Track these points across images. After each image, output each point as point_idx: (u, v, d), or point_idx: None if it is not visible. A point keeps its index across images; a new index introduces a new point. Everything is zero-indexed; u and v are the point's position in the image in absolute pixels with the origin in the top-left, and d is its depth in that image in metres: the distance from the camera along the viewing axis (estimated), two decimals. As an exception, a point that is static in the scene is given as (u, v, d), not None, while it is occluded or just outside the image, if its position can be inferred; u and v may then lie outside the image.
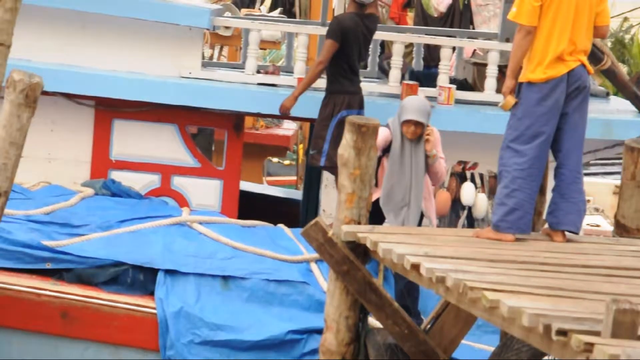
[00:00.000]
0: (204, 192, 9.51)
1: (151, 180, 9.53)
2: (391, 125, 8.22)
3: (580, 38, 7.08)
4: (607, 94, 11.07)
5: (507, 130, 7.16)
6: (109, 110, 9.51)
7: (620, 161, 7.79)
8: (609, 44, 33.94)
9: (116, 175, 9.46)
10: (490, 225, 7.22)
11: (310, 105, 9.11)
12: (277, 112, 9.25)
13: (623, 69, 9.55)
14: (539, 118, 7.04)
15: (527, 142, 7.06)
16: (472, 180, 9.73)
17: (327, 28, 9.09)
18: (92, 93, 9.36)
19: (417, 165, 8.12)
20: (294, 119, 10.31)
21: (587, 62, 7.18)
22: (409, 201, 8.08)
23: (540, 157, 7.12)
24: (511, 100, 7.06)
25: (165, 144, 9.54)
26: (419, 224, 8.15)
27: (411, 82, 9.58)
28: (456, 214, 9.66)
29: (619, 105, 10.22)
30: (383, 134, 8.04)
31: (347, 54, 8.93)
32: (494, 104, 9.25)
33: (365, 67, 11.39)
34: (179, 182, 9.55)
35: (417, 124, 8.11)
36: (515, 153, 7.07)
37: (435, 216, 8.41)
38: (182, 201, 9.47)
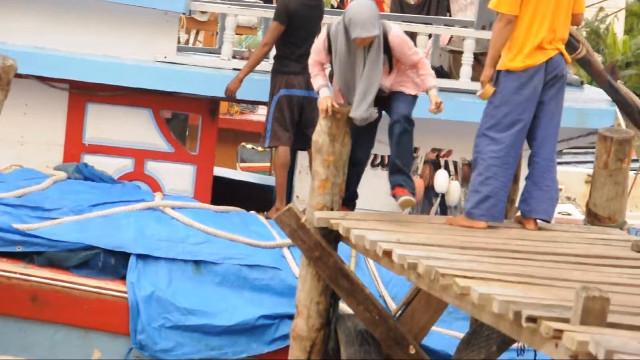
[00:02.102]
0: (177, 177, 9.48)
1: (124, 165, 9.49)
2: (332, 33, 7.28)
3: (559, 26, 7.10)
4: (582, 83, 11.11)
5: (484, 118, 7.16)
6: (83, 94, 9.46)
7: (593, 150, 7.82)
8: (584, 33, 34.04)
9: (89, 159, 9.42)
10: (464, 213, 7.24)
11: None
12: (253, 98, 9.23)
13: (598, 58, 9.56)
14: (516, 106, 7.06)
15: (503, 130, 7.07)
16: (446, 167, 9.74)
17: None
18: (67, 76, 9.31)
19: (372, 69, 7.19)
20: (261, 103, 10.28)
21: (565, 51, 7.20)
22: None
23: (515, 146, 7.13)
24: (490, 89, 7.06)
25: (139, 129, 9.50)
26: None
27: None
28: (429, 201, 9.67)
29: (593, 94, 10.25)
30: (316, 48, 7.39)
31: (293, 35, 8.98)
32: (470, 92, 9.26)
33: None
34: (152, 167, 9.52)
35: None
36: (492, 141, 7.08)
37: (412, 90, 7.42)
38: (155, 186, 9.44)
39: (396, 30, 7.27)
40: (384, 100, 7.36)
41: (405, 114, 7.28)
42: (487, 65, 7.10)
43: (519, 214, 7.43)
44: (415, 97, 7.38)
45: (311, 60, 7.44)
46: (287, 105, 8.96)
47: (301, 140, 9.01)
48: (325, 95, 7.17)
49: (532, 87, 7.07)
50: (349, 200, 7.47)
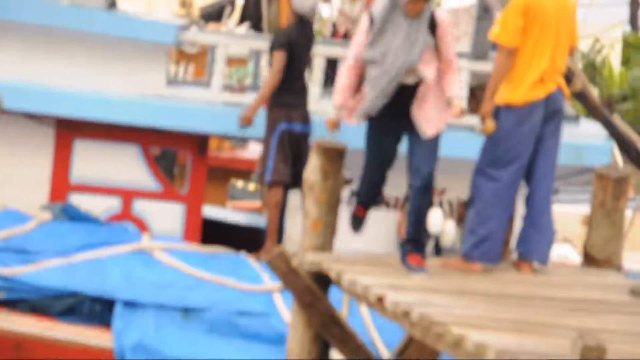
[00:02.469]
0: (166, 217, 9.32)
1: (112, 204, 9.32)
2: (374, 10, 6.81)
3: (559, 58, 6.99)
4: (577, 117, 10.98)
5: (482, 154, 7.00)
6: (70, 130, 9.31)
7: (589, 188, 7.69)
8: (580, 65, 34.05)
9: (76, 199, 9.24)
10: (460, 254, 7.08)
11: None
12: (243, 134, 9.10)
13: (594, 91, 9.46)
14: (516, 143, 6.92)
15: (502, 167, 6.93)
16: (440, 206, 9.58)
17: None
18: (53, 112, 9.16)
19: (412, 45, 6.73)
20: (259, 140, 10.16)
21: (564, 84, 7.09)
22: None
23: (514, 184, 7.00)
24: (491, 123, 6.89)
25: (127, 166, 9.35)
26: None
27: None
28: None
29: (589, 129, 10.12)
30: (357, 38, 6.91)
31: (292, 66, 8.91)
32: (465, 127, 9.13)
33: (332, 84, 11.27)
34: (140, 207, 9.35)
35: None
36: (490, 178, 6.93)
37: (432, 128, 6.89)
38: (143, 226, 9.26)
39: (443, 11, 7.01)
40: (404, 99, 6.84)
41: (429, 172, 6.82)
42: (487, 99, 6.92)
43: (514, 255, 7.29)
44: (438, 138, 6.86)
45: (349, 62, 6.93)
46: (288, 139, 8.85)
47: (294, 177, 8.87)
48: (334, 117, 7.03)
49: (532, 122, 6.94)
50: (369, 204, 7.23)
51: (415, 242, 6.84)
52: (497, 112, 6.95)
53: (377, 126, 6.95)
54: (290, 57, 8.89)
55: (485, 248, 6.93)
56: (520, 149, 6.93)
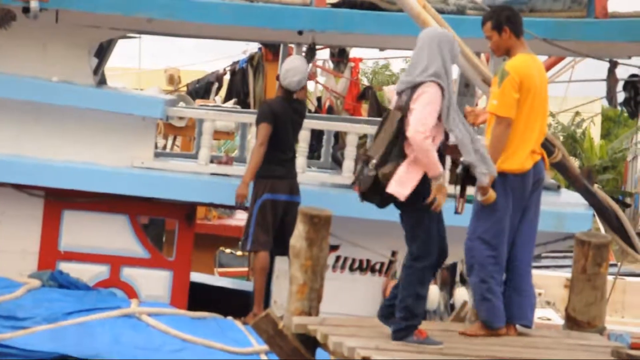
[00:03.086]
0: (154, 283, 9.39)
1: (100, 271, 9.40)
2: (442, 80, 6.70)
3: (544, 127, 7.21)
4: (559, 187, 11.16)
5: (477, 222, 7.06)
6: (59, 201, 9.42)
7: (571, 254, 7.80)
8: (561, 137, 34.49)
9: (65, 267, 9.32)
10: (478, 322, 7.08)
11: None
12: (230, 202, 9.21)
13: (575, 162, 9.64)
14: (507, 210, 7.07)
15: (498, 234, 7.06)
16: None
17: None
18: (42, 183, 9.29)
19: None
20: (245, 208, 10.30)
21: (546, 155, 7.28)
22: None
23: (505, 250, 7.14)
24: (493, 193, 7.00)
25: (115, 235, 9.45)
26: None
27: (364, 174, 9.59)
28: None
29: (570, 198, 10.29)
30: (433, 109, 6.61)
31: (277, 138, 9.02)
32: (449, 196, 9.25)
33: (319, 157, 11.44)
34: (129, 273, 9.43)
35: None
36: (489, 246, 7.05)
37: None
38: (131, 292, 9.33)
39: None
40: None
41: (409, 249, 6.81)
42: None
43: None
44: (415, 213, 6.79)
45: (428, 133, 6.59)
46: (271, 209, 8.95)
47: (281, 246, 8.97)
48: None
49: (522, 191, 7.11)
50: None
51: (412, 317, 6.72)
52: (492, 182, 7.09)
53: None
54: (276, 130, 9.01)
55: (500, 312, 7.04)
56: (511, 218, 7.09)
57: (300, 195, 9.12)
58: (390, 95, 11.97)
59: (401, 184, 6.62)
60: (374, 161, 6.61)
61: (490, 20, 7.16)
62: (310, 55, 10.06)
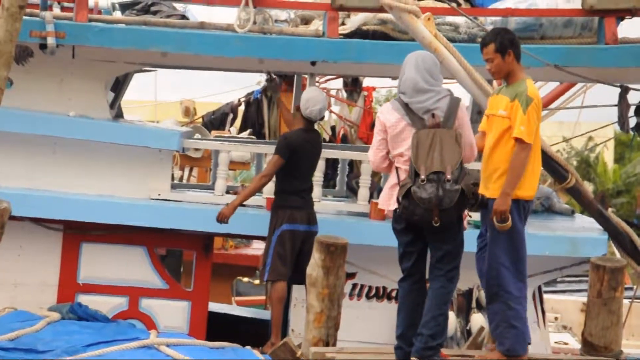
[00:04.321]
0: (172, 313, 9.46)
1: (119, 303, 9.48)
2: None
3: None
4: (573, 212, 11.20)
5: (498, 249, 7.06)
6: (77, 234, 9.51)
7: (587, 278, 7.83)
8: (575, 162, 34.48)
9: (83, 299, 9.40)
10: (501, 349, 7.09)
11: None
12: (247, 233, 9.28)
13: (589, 187, 9.67)
14: (524, 236, 7.16)
15: (522, 260, 7.12)
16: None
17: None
18: (61, 217, 9.37)
19: None
20: (262, 238, 10.36)
21: None
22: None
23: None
24: (510, 220, 7.04)
25: (133, 266, 9.52)
26: None
27: (379, 202, 9.66)
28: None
29: (584, 223, 10.32)
30: None
31: (295, 170, 9.07)
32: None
33: (334, 186, 11.50)
34: (147, 304, 9.50)
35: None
36: (518, 274, 7.09)
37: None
38: (149, 323, 9.40)
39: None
40: None
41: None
42: (508, 194, 7.06)
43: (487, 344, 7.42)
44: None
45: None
46: (289, 240, 8.98)
47: (299, 274, 9.00)
48: None
49: (527, 218, 7.19)
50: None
51: (441, 336, 6.84)
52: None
53: None
54: (295, 161, 9.05)
55: (525, 339, 7.07)
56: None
57: (318, 224, 9.18)
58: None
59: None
60: (449, 176, 6.65)
61: (494, 43, 7.17)
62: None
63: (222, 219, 9.06)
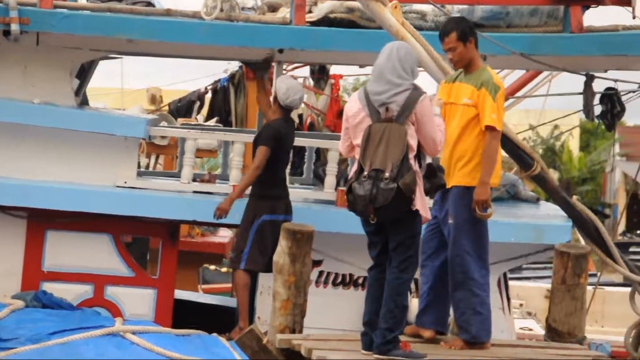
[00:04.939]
0: (138, 301, 9.43)
1: (84, 291, 9.43)
2: None
3: None
4: (538, 200, 11.27)
5: (469, 239, 7.12)
6: (41, 222, 9.45)
7: (551, 265, 7.89)
8: (540, 150, 34.73)
9: (48, 287, 9.35)
10: (464, 336, 7.12)
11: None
12: (212, 220, 9.26)
13: (554, 175, 9.73)
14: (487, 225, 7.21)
15: (487, 250, 7.18)
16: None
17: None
18: (25, 204, 9.32)
19: None
20: (229, 225, 10.37)
21: None
22: None
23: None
24: (492, 209, 7.06)
25: (99, 254, 9.48)
26: None
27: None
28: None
29: (549, 211, 10.40)
30: None
31: (276, 160, 9.07)
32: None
33: (301, 174, 11.51)
34: (113, 292, 9.46)
35: None
36: (482, 261, 7.14)
37: None
38: (115, 311, 9.36)
39: None
40: None
41: None
42: (487, 183, 7.09)
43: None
44: None
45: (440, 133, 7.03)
46: (270, 230, 8.94)
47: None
48: None
49: None
50: None
51: (398, 329, 6.79)
52: (463, 195, 7.16)
53: None
54: (278, 151, 9.05)
55: (489, 326, 7.11)
56: None
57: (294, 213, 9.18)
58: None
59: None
60: (387, 174, 6.63)
61: (455, 31, 7.17)
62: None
63: (221, 213, 9.00)
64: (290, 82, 9.27)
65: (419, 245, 6.83)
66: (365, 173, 6.64)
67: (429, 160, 6.87)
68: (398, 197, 6.59)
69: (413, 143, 6.69)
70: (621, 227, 36.92)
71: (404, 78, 6.72)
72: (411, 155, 6.65)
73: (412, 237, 6.75)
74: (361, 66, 11.62)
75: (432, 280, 7.26)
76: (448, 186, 7.12)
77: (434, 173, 6.84)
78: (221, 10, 9.34)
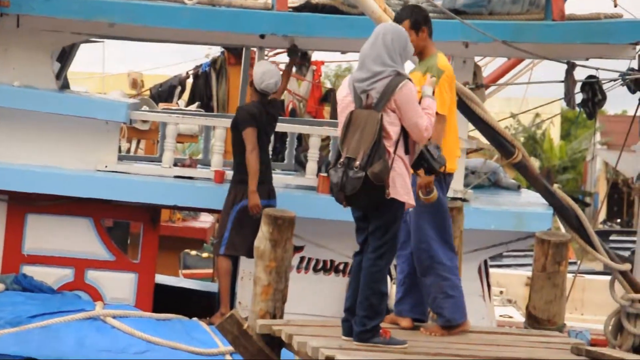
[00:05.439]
0: (119, 285, 9.42)
1: (64, 274, 9.42)
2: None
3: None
4: (519, 187, 11.31)
5: (431, 223, 7.15)
6: (22, 205, 9.42)
7: (532, 253, 7.92)
8: (522, 139, 34.83)
9: (28, 270, 9.32)
10: (440, 321, 7.15)
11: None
12: (194, 204, 9.25)
13: (535, 163, 9.77)
14: (447, 208, 7.24)
15: (448, 231, 7.19)
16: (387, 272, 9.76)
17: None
18: (5, 187, 9.29)
19: None
20: (210, 211, 10.35)
21: None
22: None
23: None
24: (436, 192, 7.07)
25: (79, 238, 9.46)
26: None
27: (327, 175, 9.67)
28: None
29: (530, 198, 10.44)
30: None
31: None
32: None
33: (283, 159, 11.51)
34: (93, 276, 9.45)
35: None
36: (446, 244, 7.16)
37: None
38: (95, 295, 9.36)
39: None
40: None
41: None
42: None
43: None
44: None
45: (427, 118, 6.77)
46: (249, 215, 8.96)
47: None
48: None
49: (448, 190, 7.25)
50: None
51: (376, 316, 6.72)
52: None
53: None
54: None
55: (463, 308, 7.13)
56: None
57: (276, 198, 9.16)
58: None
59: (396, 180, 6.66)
60: (357, 162, 6.60)
61: (409, 19, 7.20)
62: (292, 54, 10.03)
63: (257, 210, 8.85)
64: (266, 66, 9.27)
65: (398, 232, 6.80)
66: (341, 160, 6.63)
67: (431, 146, 6.81)
68: (367, 186, 6.55)
69: (392, 130, 6.62)
70: (602, 215, 37.14)
71: (387, 65, 6.67)
72: (389, 143, 6.61)
73: (389, 224, 6.69)
74: (343, 52, 11.64)
75: (407, 269, 7.28)
76: None
77: (423, 158, 6.79)
78: (204, -6, 9.31)
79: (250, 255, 8.94)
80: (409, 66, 7.87)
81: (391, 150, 6.62)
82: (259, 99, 9.21)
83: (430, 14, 9.37)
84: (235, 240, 8.97)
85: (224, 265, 9.01)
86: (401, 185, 6.67)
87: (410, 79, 6.73)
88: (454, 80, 7.22)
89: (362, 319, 6.64)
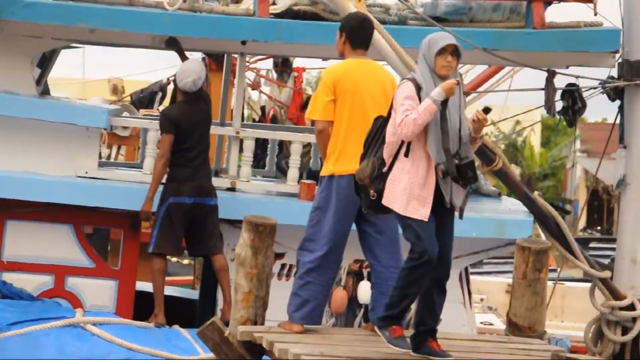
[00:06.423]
0: (99, 292, 9.40)
1: (44, 281, 9.38)
2: (418, 78, 6.62)
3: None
4: (499, 194, 11.33)
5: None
6: (1, 211, 9.38)
7: (512, 260, 7.94)
8: (502, 146, 34.92)
9: (8, 277, 9.27)
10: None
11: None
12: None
13: (516, 170, 9.79)
14: (329, 212, 7.30)
15: (315, 233, 7.44)
16: (369, 278, 9.77)
17: (224, 128, 9.21)
18: (-16, 193, 9.24)
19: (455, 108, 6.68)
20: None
21: None
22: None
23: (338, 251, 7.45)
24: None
25: (59, 245, 9.43)
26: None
27: (309, 182, 9.69)
28: (353, 312, 9.68)
29: (511, 205, 10.46)
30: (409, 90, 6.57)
31: (182, 143, 9.13)
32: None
33: (264, 166, 11.51)
34: (73, 283, 9.42)
35: (455, 51, 6.62)
36: (305, 242, 7.42)
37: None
38: (75, 302, 9.32)
39: None
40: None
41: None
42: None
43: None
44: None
45: (403, 116, 6.47)
46: (176, 213, 9.07)
47: (199, 248, 9.29)
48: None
49: (350, 193, 7.07)
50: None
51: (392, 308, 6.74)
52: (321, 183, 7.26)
53: None
54: (178, 135, 9.11)
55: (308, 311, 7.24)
56: (345, 220, 7.33)
57: (215, 197, 9.20)
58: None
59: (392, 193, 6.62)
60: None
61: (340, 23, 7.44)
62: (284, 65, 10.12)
63: (146, 216, 9.15)
64: (188, 65, 9.36)
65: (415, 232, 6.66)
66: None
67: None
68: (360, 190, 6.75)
69: (389, 132, 6.64)
70: (582, 223, 37.28)
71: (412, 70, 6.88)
72: (383, 147, 6.67)
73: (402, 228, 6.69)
74: (324, 59, 11.63)
75: (372, 279, 7.37)
76: None
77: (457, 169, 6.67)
78: (184, 0, 9.31)
79: (176, 253, 9.09)
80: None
81: (386, 157, 6.67)
82: (183, 99, 9.29)
83: (412, 22, 9.48)
84: (162, 239, 9.09)
85: (155, 264, 9.12)
86: (400, 192, 6.62)
87: (414, 79, 6.67)
88: (340, 83, 7.18)
89: (385, 306, 6.73)
